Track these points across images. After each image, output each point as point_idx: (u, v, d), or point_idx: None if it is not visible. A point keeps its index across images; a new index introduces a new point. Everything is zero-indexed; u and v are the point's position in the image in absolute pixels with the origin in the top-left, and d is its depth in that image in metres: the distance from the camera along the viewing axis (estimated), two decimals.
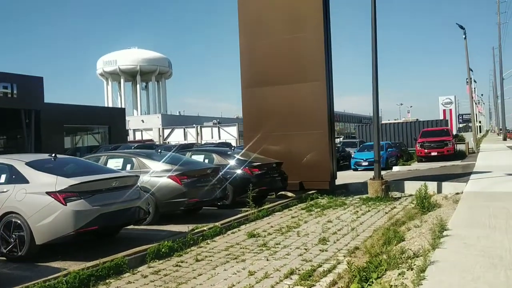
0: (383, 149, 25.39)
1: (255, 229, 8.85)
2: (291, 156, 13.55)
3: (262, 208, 10.53)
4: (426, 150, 26.47)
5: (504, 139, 53.49)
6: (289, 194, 13.43)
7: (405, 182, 14.63)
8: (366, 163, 24.27)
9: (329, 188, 13.39)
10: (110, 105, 77.11)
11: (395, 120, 79.06)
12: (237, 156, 12.07)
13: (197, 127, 40.31)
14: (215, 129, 39.19)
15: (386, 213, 10.44)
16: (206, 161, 12.14)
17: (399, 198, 12.86)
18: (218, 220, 9.29)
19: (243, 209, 10.40)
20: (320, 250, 7.23)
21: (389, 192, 13.11)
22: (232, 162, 11.78)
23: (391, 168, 23.43)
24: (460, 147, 31.30)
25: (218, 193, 10.31)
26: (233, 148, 14.77)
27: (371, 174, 23.21)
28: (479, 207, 9.10)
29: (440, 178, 16.47)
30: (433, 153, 26.20)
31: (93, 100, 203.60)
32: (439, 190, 13.78)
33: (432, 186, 14.03)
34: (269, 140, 13.89)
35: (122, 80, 76.65)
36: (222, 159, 12.09)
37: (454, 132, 64.34)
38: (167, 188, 9.58)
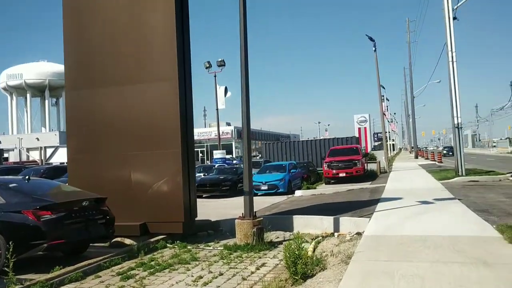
0: (285, 170, 22.15)
1: None
2: (132, 186, 9.54)
3: (37, 281, 6.31)
4: (334, 171, 23.62)
5: (416, 157, 53.31)
6: (127, 241, 9.35)
7: (294, 217, 11.10)
8: (266, 187, 20.82)
9: (183, 232, 9.45)
10: (15, 121, 71.60)
11: (314, 138, 78.02)
12: (23, 190, 7.80)
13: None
14: None
15: (245, 278, 6.67)
16: None
17: (280, 243, 9.24)
18: None
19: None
20: None
21: (267, 234, 9.50)
22: (13, 199, 7.50)
23: (294, 192, 20.12)
24: (372, 166, 29.08)
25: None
26: None
27: (272, 200, 19.88)
28: (378, 276, 5.58)
29: (342, 207, 13.32)
30: (341, 174, 23.38)
31: None
32: (336, 228, 10.44)
33: (328, 222, 10.71)
34: (103, 163, 9.78)
35: (28, 95, 71.00)
36: None
37: (369, 151, 64.14)
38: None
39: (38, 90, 71.16)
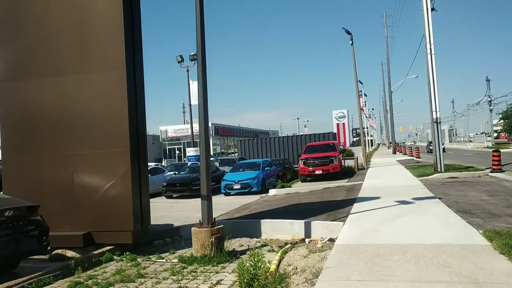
0: (259, 168, 21.13)
1: None
2: (74, 191, 8.35)
3: None
4: (310, 168, 22.65)
5: (394, 152, 52.92)
6: (69, 253, 8.19)
7: (261, 222, 10.07)
8: (239, 186, 19.77)
9: (133, 242, 8.30)
10: None
11: (293, 134, 77.13)
12: None
13: None
14: None
15: None
16: None
17: (244, 252, 8.20)
18: None
19: None
20: None
21: (230, 242, 8.48)
22: None
23: (268, 191, 19.13)
24: (350, 162, 28.31)
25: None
26: None
27: (244, 200, 18.82)
28: None
29: (316, 208, 12.40)
30: (318, 171, 22.42)
31: None
32: (307, 234, 9.48)
33: (298, 227, 9.74)
34: (41, 165, 8.56)
35: None
36: None
37: (348, 146, 63.55)
38: None
39: None
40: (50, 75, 8.47)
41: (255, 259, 5.24)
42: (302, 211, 12.57)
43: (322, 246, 8.22)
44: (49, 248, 7.40)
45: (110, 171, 8.19)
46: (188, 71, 29.49)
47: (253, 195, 19.08)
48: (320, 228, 9.45)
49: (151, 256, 8.10)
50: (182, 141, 67.79)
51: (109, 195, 8.16)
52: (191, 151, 29.26)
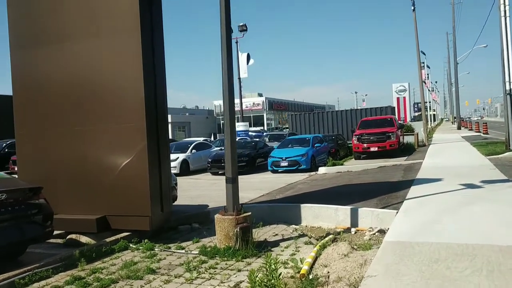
0: (309, 144, 19.77)
1: None
2: (86, 170, 7.50)
3: None
4: (364, 145, 20.98)
5: (459, 128, 49.36)
6: (83, 239, 7.43)
7: (301, 206, 8.86)
8: (286, 163, 18.54)
9: (150, 229, 7.35)
10: None
11: (351, 108, 74.44)
12: None
13: None
14: None
15: None
16: None
17: (277, 243, 7.07)
18: None
19: None
20: None
21: (264, 230, 7.39)
22: None
23: (317, 169, 17.81)
24: (409, 139, 26.24)
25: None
26: None
27: (291, 178, 17.65)
28: None
29: (367, 191, 11.05)
30: (373, 148, 20.71)
31: None
32: (354, 223, 8.20)
33: (343, 214, 8.48)
34: (50, 141, 7.76)
35: None
36: None
37: (408, 121, 60.20)
38: None
39: None
40: (58, 42, 7.59)
41: (271, 267, 4.04)
42: (351, 193, 11.23)
43: (369, 239, 6.93)
44: (52, 233, 6.60)
45: (125, 148, 7.25)
46: (237, 42, 28.31)
47: (302, 173, 17.83)
48: (369, 216, 8.12)
49: (170, 245, 7.15)
50: (236, 116, 67.31)
51: (124, 176, 7.25)
52: (239, 126, 28.29)
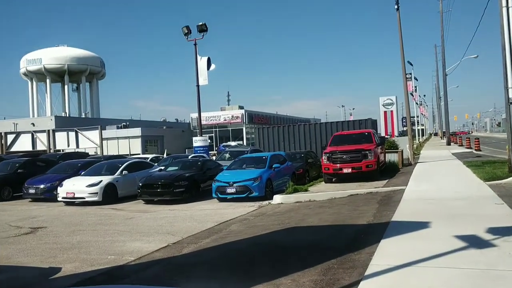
0: (265, 165, 15.84)
1: None
2: None
3: None
4: (336, 165, 16.99)
5: (448, 143, 45.79)
6: None
7: None
8: (233, 190, 14.55)
9: None
10: (35, 107, 68.99)
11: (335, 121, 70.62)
12: None
13: (48, 131, 29.32)
14: (72, 134, 28.28)
15: None
16: None
17: None
18: None
19: None
20: None
21: None
22: None
23: (272, 198, 13.86)
24: (393, 157, 22.49)
25: None
26: None
27: (236, 210, 13.25)
28: None
29: (314, 245, 7.23)
30: (346, 170, 16.71)
31: (18, 101, 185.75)
32: None
33: None
34: None
35: (48, 80, 68.41)
36: None
37: (395, 136, 56.49)
38: None
39: (58, 75, 68.65)
40: None
41: None
42: (288, 250, 7.35)
43: None
44: None
45: None
46: (195, 44, 24.40)
47: (254, 201, 13.91)
48: None
49: None
50: (214, 129, 63.25)
51: None
52: (197, 141, 24.22)
